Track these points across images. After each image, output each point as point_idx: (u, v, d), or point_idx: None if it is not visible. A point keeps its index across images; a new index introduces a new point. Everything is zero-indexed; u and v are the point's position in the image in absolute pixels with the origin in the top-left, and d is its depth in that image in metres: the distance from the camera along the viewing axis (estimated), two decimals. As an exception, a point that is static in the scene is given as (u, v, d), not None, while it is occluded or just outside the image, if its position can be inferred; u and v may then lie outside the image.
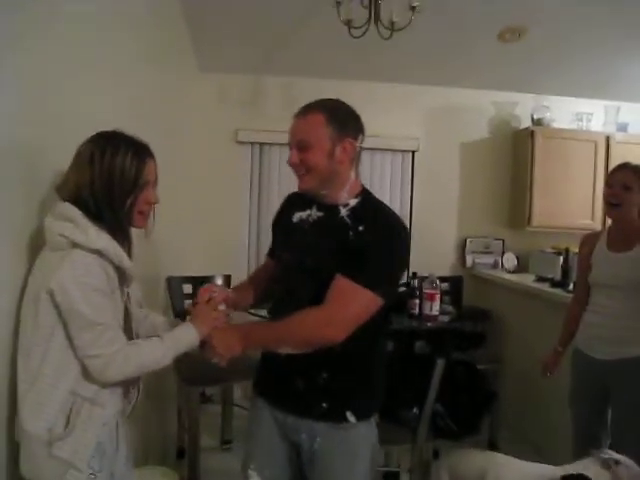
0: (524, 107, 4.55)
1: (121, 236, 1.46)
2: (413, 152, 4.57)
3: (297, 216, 1.74)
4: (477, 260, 4.55)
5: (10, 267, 1.38)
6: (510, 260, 4.50)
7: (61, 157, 1.48)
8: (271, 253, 1.95)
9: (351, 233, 1.59)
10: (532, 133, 4.31)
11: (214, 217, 4.31)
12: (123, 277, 1.49)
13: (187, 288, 3.57)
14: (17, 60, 1.32)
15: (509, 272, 4.39)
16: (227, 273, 3.77)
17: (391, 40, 2.91)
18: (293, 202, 1.80)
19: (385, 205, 1.69)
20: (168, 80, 3.25)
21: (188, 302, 3.53)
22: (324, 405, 1.63)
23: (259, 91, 4.36)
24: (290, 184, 4.57)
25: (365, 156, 4.49)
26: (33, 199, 1.48)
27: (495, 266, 4.53)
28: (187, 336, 1.58)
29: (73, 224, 1.36)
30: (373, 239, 1.55)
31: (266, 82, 4.37)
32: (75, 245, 1.35)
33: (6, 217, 1.33)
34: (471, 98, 4.57)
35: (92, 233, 1.36)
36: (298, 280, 1.67)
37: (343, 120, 1.61)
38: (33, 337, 1.34)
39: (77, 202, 1.39)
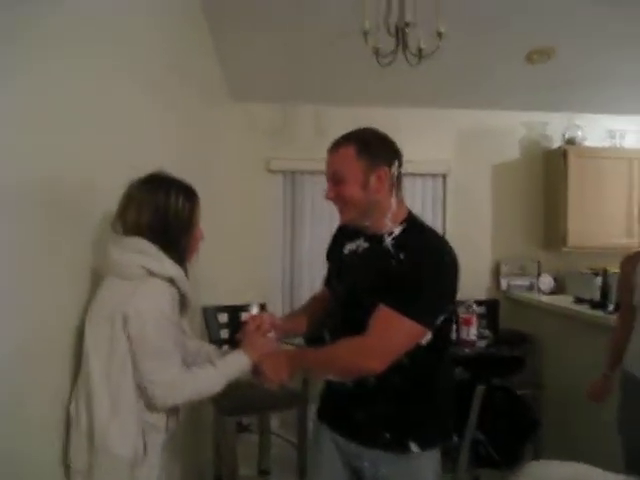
0: (555, 127, 4.52)
1: (180, 266, 1.57)
2: (444, 175, 4.56)
3: (347, 248, 1.73)
4: (512, 282, 4.48)
5: (69, 293, 1.48)
6: (546, 282, 4.43)
7: (107, 194, 1.62)
8: (327, 282, 1.93)
9: (393, 261, 1.56)
10: (564, 152, 4.27)
11: (248, 246, 4.35)
12: (184, 306, 1.61)
13: (222, 317, 3.59)
14: (59, 98, 1.38)
15: (545, 294, 4.32)
16: (262, 302, 3.79)
17: (419, 65, 2.92)
18: (344, 233, 1.79)
19: (429, 228, 1.66)
20: (201, 111, 3.32)
21: (224, 331, 3.58)
22: (387, 435, 1.61)
23: (289, 119, 4.42)
24: (323, 212, 4.63)
25: (407, 182, 4.49)
26: (83, 232, 1.58)
27: (531, 288, 4.46)
28: (239, 362, 1.65)
29: (147, 255, 1.48)
30: (414, 266, 1.52)
31: (296, 110, 4.42)
32: (151, 274, 1.47)
33: (63, 249, 1.43)
34: (501, 120, 4.56)
35: (167, 262, 1.50)
36: (349, 312, 1.66)
37: (375, 149, 1.60)
38: (111, 365, 1.43)
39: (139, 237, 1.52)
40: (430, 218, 4.54)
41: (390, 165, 1.60)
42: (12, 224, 1.17)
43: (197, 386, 1.54)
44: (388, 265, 1.57)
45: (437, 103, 4.40)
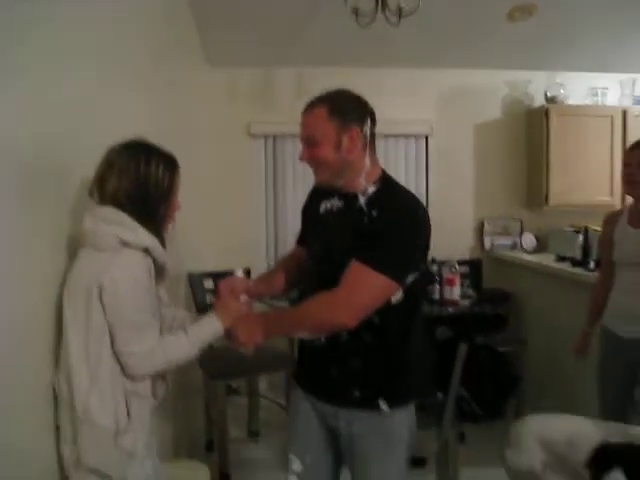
0: (537, 85, 4.50)
1: (157, 236, 1.55)
2: (426, 136, 4.55)
3: (323, 207, 1.75)
4: (495, 242, 4.52)
5: (50, 265, 1.47)
6: (529, 240, 4.47)
7: (83, 161, 1.59)
8: (300, 240, 1.96)
9: (366, 219, 1.59)
10: (546, 111, 4.26)
11: (231, 211, 4.33)
12: (160, 275, 1.60)
13: (208, 283, 3.60)
14: (32, 74, 1.34)
15: (528, 253, 4.36)
16: (247, 266, 3.80)
17: (400, 25, 2.89)
18: (319, 192, 1.80)
19: (402, 188, 1.68)
20: (178, 76, 3.26)
21: (210, 297, 3.59)
22: (357, 394, 1.65)
23: (270, 83, 4.36)
24: (305, 175, 4.60)
25: (378, 142, 4.46)
26: (62, 203, 1.56)
27: (514, 247, 4.50)
28: (211, 327, 1.64)
29: (121, 225, 1.46)
30: (385, 223, 1.55)
31: (277, 74, 4.36)
32: (125, 244, 1.45)
33: (42, 220, 1.41)
34: (483, 79, 4.52)
35: (141, 232, 1.48)
36: (324, 269, 1.68)
37: (346, 109, 1.61)
38: (88, 336, 1.43)
39: (116, 206, 1.49)
40: (413, 179, 4.55)
41: (362, 125, 1.61)
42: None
43: (169, 355, 1.52)
44: (361, 222, 1.60)
45: (418, 63, 4.36)
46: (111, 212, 1.48)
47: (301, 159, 1.67)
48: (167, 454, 2.50)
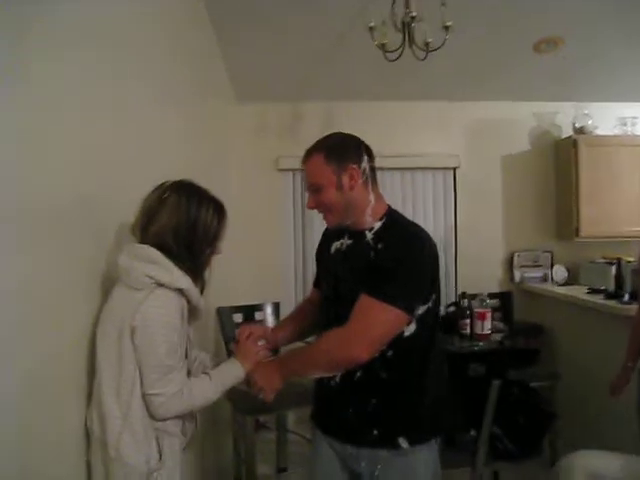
0: (565, 116, 4.47)
1: (195, 278, 1.56)
2: (454, 169, 4.54)
3: (333, 247, 1.77)
4: (526, 274, 4.46)
5: (84, 302, 1.50)
6: (560, 272, 4.40)
7: (120, 199, 1.67)
8: (315, 283, 1.99)
9: (372, 253, 1.61)
10: (575, 142, 4.23)
11: (259, 245, 4.36)
12: (193, 316, 1.61)
13: (237, 317, 3.61)
14: (66, 112, 1.39)
15: (559, 285, 4.29)
16: (276, 301, 3.80)
17: (427, 59, 2.91)
18: (330, 233, 1.82)
19: (408, 221, 1.71)
20: (207, 113, 3.32)
21: (240, 326, 3.59)
22: (375, 432, 1.63)
23: (298, 117, 4.42)
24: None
25: (406, 176, 4.52)
26: (99, 240, 1.61)
27: (545, 279, 4.43)
28: (233, 372, 1.66)
29: (157, 265, 1.47)
30: (391, 255, 1.57)
31: (304, 108, 4.42)
32: (159, 284, 1.46)
33: (78, 257, 1.44)
34: (510, 111, 4.52)
35: (176, 273, 1.48)
36: (335, 308, 1.69)
37: (341, 150, 1.65)
38: (120, 375, 1.43)
39: (158, 244, 1.50)
40: (441, 212, 4.54)
41: (359, 162, 1.65)
42: (23, 238, 1.17)
43: (193, 400, 1.52)
44: (367, 256, 1.62)
45: (446, 96, 4.38)
46: (147, 250, 1.49)
47: (308, 207, 1.72)
48: (196, 491, 2.48)
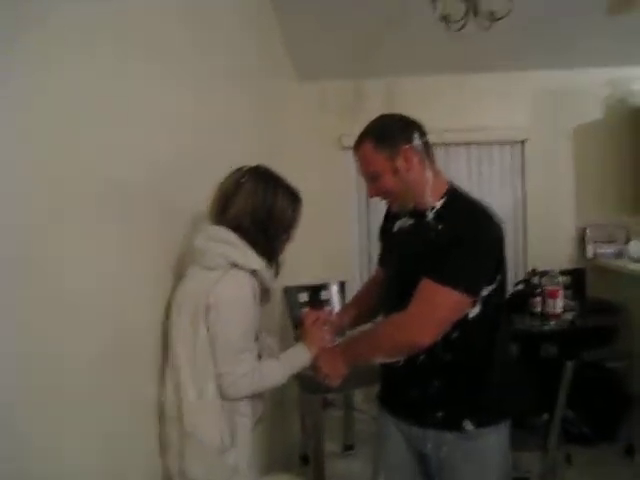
0: (643, 82, 4.20)
1: (269, 261, 1.59)
2: (523, 142, 4.38)
3: (397, 226, 1.75)
4: (599, 250, 4.27)
5: (160, 282, 1.57)
6: (636, 248, 4.18)
7: (191, 180, 1.72)
8: (380, 262, 1.96)
9: (433, 233, 1.58)
10: (654, 109, 3.98)
11: (324, 224, 4.33)
12: (264, 298, 1.63)
13: (303, 296, 3.63)
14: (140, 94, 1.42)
15: (635, 261, 4.09)
16: (341, 280, 3.80)
17: (492, 29, 2.80)
18: (393, 212, 1.80)
19: (470, 198, 1.65)
20: (269, 92, 3.32)
21: (305, 310, 3.62)
22: (440, 414, 1.62)
23: (360, 94, 4.35)
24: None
25: (472, 151, 4.39)
26: (171, 225, 1.66)
27: (619, 255, 4.23)
28: (300, 357, 1.69)
29: (232, 246, 1.51)
30: (452, 234, 1.52)
31: (366, 85, 4.35)
32: (234, 265, 1.50)
33: (150, 238, 1.50)
34: (581, 79, 4.29)
35: (250, 254, 1.52)
36: (398, 288, 1.67)
37: (390, 134, 1.61)
38: (196, 354, 1.46)
39: (234, 227, 1.54)
40: (509, 187, 4.41)
41: (411, 141, 1.60)
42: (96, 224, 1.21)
43: (262, 382, 1.55)
44: (428, 237, 1.58)
45: (512, 66, 4.21)
46: (223, 232, 1.53)
47: (369, 196, 1.71)
48: (263, 467, 2.53)
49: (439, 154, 4.33)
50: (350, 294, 3.87)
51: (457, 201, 1.63)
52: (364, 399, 4.03)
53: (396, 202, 1.68)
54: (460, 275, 1.50)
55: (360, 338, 1.73)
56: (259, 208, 1.55)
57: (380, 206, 4.30)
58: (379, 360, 1.68)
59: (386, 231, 1.84)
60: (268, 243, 1.58)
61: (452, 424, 1.60)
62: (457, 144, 4.30)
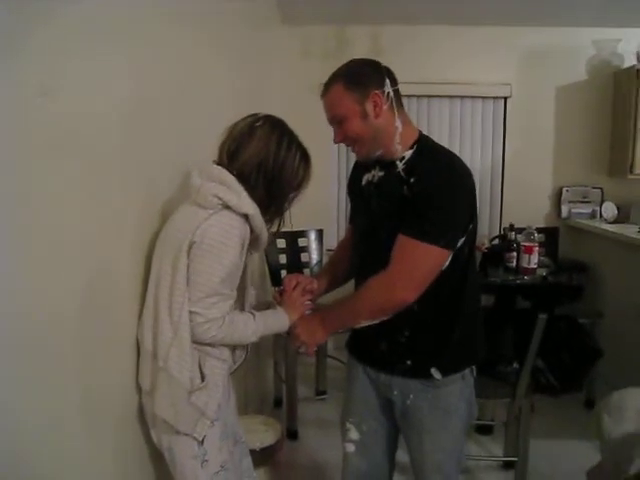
0: (628, 44, 4.18)
1: (266, 211, 1.55)
2: (505, 98, 4.37)
3: (365, 179, 1.71)
4: (574, 210, 4.34)
5: (144, 218, 1.55)
6: (609, 210, 4.26)
7: (171, 123, 1.66)
8: (351, 219, 1.91)
9: (405, 188, 1.54)
10: (638, 72, 3.97)
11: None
12: (253, 246, 1.58)
13: (281, 243, 3.64)
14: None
15: (608, 222, 4.17)
16: (319, 228, 3.81)
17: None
18: (360, 166, 1.76)
19: (441, 149, 1.62)
20: (251, 36, 3.23)
21: (282, 256, 3.64)
22: (408, 362, 1.64)
23: (344, 42, 4.27)
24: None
25: (454, 104, 4.37)
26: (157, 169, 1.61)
27: (593, 216, 4.31)
28: (278, 322, 1.65)
29: (227, 187, 1.45)
30: (425, 189, 1.50)
31: (351, 32, 4.27)
32: (226, 206, 1.44)
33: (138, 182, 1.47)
34: (567, 37, 4.27)
35: (244, 197, 1.46)
36: (371, 245, 1.66)
37: (360, 77, 1.57)
38: (174, 290, 1.43)
39: (239, 170, 1.49)
40: (490, 142, 4.42)
41: (381, 87, 1.56)
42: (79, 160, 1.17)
43: (232, 334, 1.50)
44: (400, 191, 1.55)
45: (498, 21, 4.15)
46: (222, 173, 1.48)
47: (335, 142, 1.65)
48: (238, 409, 2.57)
49: (422, 105, 4.32)
50: (327, 242, 3.90)
51: (428, 152, 1.60)
52: (336, 346, 4.09)
53: (362, 149, 1.62)
54: (439, 230, 1.49)
55: (341, 305, 1.69)
56: (269, 158, 1.50)
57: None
58: (362, 324, 1.63)
59: (354, 185, 1.80)
60: (269, 195, 1.52)
61: (420, 372, 1.63)
62: (440, 96, 4.29)
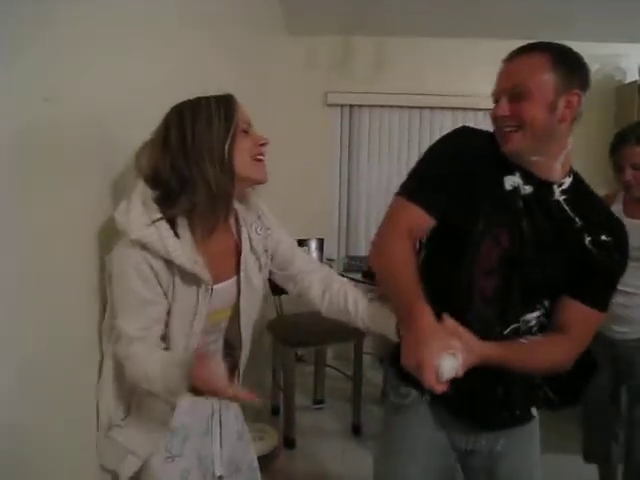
0: (631, 59, 4.20)
1: (205, 215, 1.26)
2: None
3: (508, 182, 1.34)
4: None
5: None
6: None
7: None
8: (430, 206, 1.35)
9: (588, 239, 1.31)
10: (640, 87, 3.99)
11: (305, 181, 4.32)
12: (188, 278, 1.25)
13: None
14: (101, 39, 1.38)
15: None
16: (320, 237, 3.82)
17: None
18: (489, 154, 1.36)
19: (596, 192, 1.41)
20: (257, 44, 3.26)
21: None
22: (517, 412, 1.46)
23: (349, 52, 4.30)
24: (380, 146, 4.55)
25: (457, 116, 4.37)
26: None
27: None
28: (178, 374, 1.19)
29: (122, 203, 1.22)
30: (618, 256, 1.32)
31: (356, 42, 4.29)
32: (122, 232, 1.20)
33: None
34: (570, 52, 4.29)
35: (134, 219, 1.18)
36: (511, 274, 1.33)
37: (574, 66, 1.29)
38: (105, 320, 1.32)
39: (159, 177, 1.23)
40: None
41: (584, 91, 1.29)
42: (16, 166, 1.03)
43: (132, 374, 1.25)
44: (580, 239, 1.31)
45: (502, 34, 4.15)
46: (133, 187, 1.25)
47: (497, 114, 1.31)
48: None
49: (424, 117, 4.34)
50: (328, 251, 3.91)
51: (584, 187, 1.39)
52: (335, 356, 4.10)
53: (522, 142, 1.28)
54: (610, 298, 1.36)
55: (519, 348, 1.34)
56: (175, 146, 1.22)
57: (363, 165, 4.32)
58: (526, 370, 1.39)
59: (484, 179, 1.35)
60: (199, 177, 1.20)
61: (524, 416, 1.48)
62: (442, 108, 4.31)
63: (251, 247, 1.43)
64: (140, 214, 1.18)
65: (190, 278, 1.24)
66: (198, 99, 1.25)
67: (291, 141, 4.22)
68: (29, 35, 1.00)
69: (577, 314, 1.33)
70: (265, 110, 3.31)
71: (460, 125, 1.48)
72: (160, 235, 1.18)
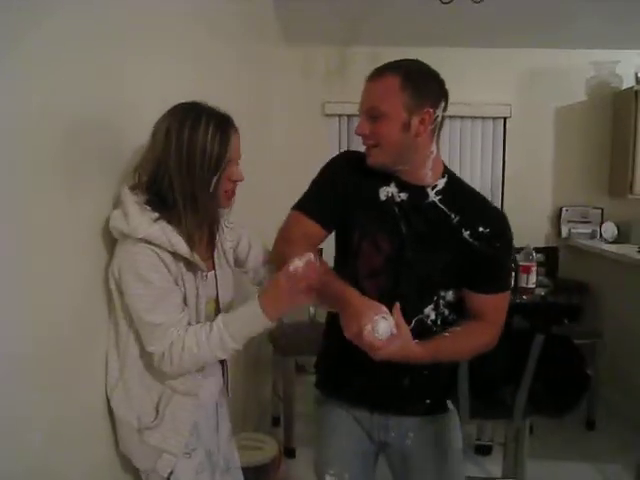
0: (627, 65, 4.22)
1: (200, 220, 1.36)
2: (505, 119, 4.41)
3: (383, 193, 1.47)
4: (573, 230, 4.35)
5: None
6: (609, 230, 4.27)
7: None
8: (316, 212, 1.51)
9: (467, 233, 1.42)
10: (636, 93, 4.00)
11: (303, 191, 4.31)
12: (190, 266, 1.35)
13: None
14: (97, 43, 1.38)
15: (608, 242, 4.17)
16: (319, 247, 3.81)
17: (481, 3, 2.79)
18: (366, 171, 1.47)
19: (467, 184, 1.55)
20: (254, 53, 3.27)
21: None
22: (427, 401, 1.55)
23: (346, 62, 4.32)
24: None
25: (454, 124, 4.40)
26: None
27: (593, 236, 4.31)
28: (252, 322, 1.33)
29: (118, 210, 1.28)
30: (503, 245, 1.46)
31: (353, 52, 4.31)
32: (124, 236, 1.27)
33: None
34: (566, 59, 4.31)
35: (134, 219, 1.24)
36: (395, 268, 1.45)
37: (422, 85, 1.37)
38: (117, 331, 1.35)
39: (154, 184, 1.31)
40: (489, 162, 4.45)
41: (437, 107, 1.38)
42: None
43: (188, 359, 1.31)
44: (458, 235, 1.43)
45: (499, 43, 4.20)
46: (121, 194, 1.30)
47: (357, 132, 1.43)
48: (236, 427, 2.57)
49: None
50: (327, 261, 3.90)
51: (459, 185, 1.51)
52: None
53: (380, 157, 1.41)
54: (510, 280, 1.63)
55: (447, 343, 1.45)
56: (173, 151, 1.28)
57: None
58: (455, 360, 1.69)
59: (362, 193, 1.48)
60: (197, 193, 1.30)
61: (438, 408, 1.58)
62: (440, 117, 4.31)
63: (222, 241, 1.54)
64: (140, 215, 1.25)
65: (190, 267, 1.34)
66: (199, 116, 1.31)
67: (289, 152, 4.24)
68: (29, 35, 1.01)
69: (485, 303, 1.47)
70: (263, 121, 3.33)
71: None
72: (163, 231, 1.27)
